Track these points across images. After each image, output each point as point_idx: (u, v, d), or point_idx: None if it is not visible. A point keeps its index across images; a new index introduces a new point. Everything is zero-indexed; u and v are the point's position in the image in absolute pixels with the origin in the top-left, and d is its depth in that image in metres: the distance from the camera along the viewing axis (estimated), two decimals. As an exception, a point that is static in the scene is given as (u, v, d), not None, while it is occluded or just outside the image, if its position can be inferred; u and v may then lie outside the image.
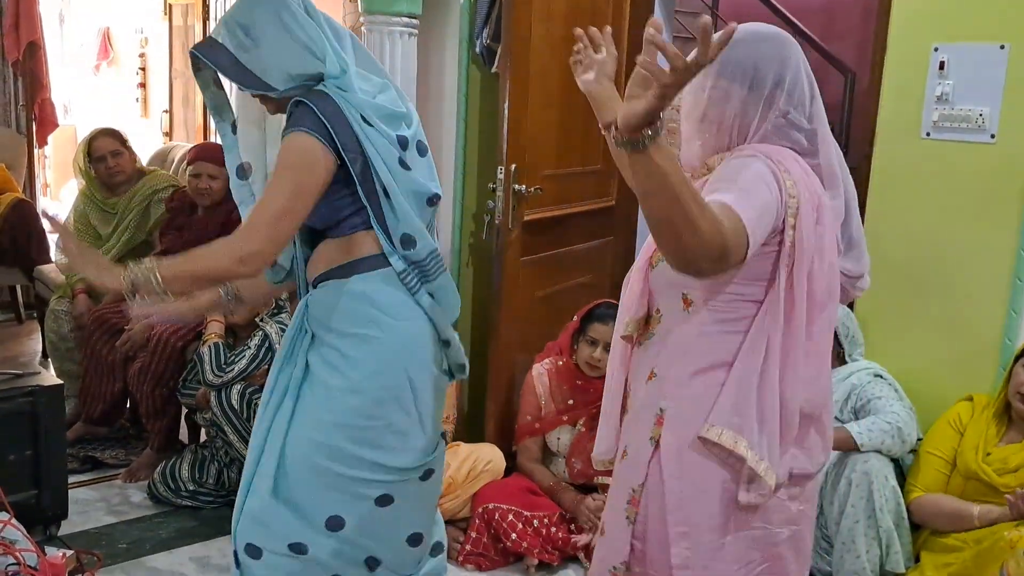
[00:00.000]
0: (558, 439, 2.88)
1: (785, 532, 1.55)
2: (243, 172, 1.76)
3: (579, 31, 1.70)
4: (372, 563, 1.78)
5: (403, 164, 1.63)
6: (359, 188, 1.61)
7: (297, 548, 1.71)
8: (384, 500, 1.72)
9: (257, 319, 2.94)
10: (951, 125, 2.64)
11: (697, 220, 1.23)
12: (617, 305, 2.93)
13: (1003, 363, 2.56)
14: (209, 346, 2.85)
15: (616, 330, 1.69)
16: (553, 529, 2.72)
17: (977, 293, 2.64)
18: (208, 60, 1.63)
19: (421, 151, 1.71)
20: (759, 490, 1.47)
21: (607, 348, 2.73)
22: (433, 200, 1.71)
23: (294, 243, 1.76)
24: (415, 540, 1.83)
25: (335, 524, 1.70)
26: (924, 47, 2.68)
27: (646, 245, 1.65)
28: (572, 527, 2.76)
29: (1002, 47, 2.54)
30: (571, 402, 2.86)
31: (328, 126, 1.56)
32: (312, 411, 1.68)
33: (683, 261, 1.30)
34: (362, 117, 1.59)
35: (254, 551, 1.74)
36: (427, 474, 1.79)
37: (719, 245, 1.27)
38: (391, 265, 1.66)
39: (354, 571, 1.76)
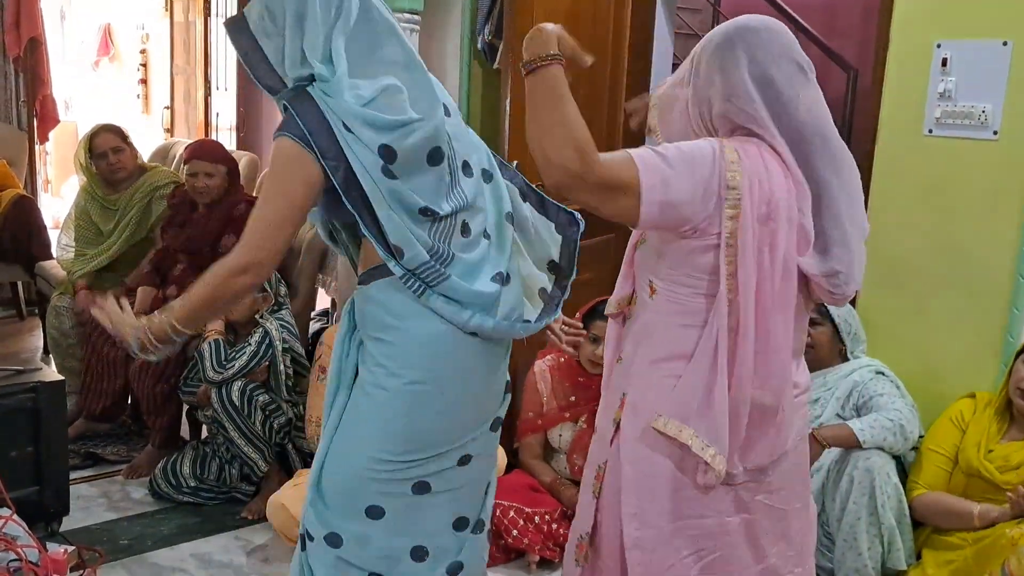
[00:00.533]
0: (560, 436, 2.88)
1: (736, 520, 1.59)
2: None
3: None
4: (419, 553, 1.73)
5: (388, 173, 1.55)
6: (343, 196, 1.56)
7: (332, 539, 1.69)
8: (421, 488, 1.69)
9: (257, 316, 2.94)
10: (953, 122, 2.64)
11: (571, 122, 1.43)
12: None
13: (1005, 360, 2.56)
14: (209, 343, 2.84)
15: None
16: (554, 526, 2.72)
17: (979, 290, 2.64)
18: (232, 39, 1.58)
19: (433, 160, 1.59)
20: (712, 474, 1.52)
21: (608, 344, 2.74)
22: (426, 212, 1.58)
23: (345, 244, 1.78)
24: (461, 524, 1.79)
25: (375, 513, 1.68)
26: (926, 44, 2.67)
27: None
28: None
29: (1005, 44, 2.53)
30: (573, 399, 2.86)
31: (307, 132, 1.52)
32: (352, 409, 1.70)
33: (545, 157, 1.45)
34: (344, 125, 1.52)
35: (307, 536, 1.73)
36: (464, 459, 1.74)
37: (578, 154, 1.42)
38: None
39: (400, 568, 1.72)
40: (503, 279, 1.68)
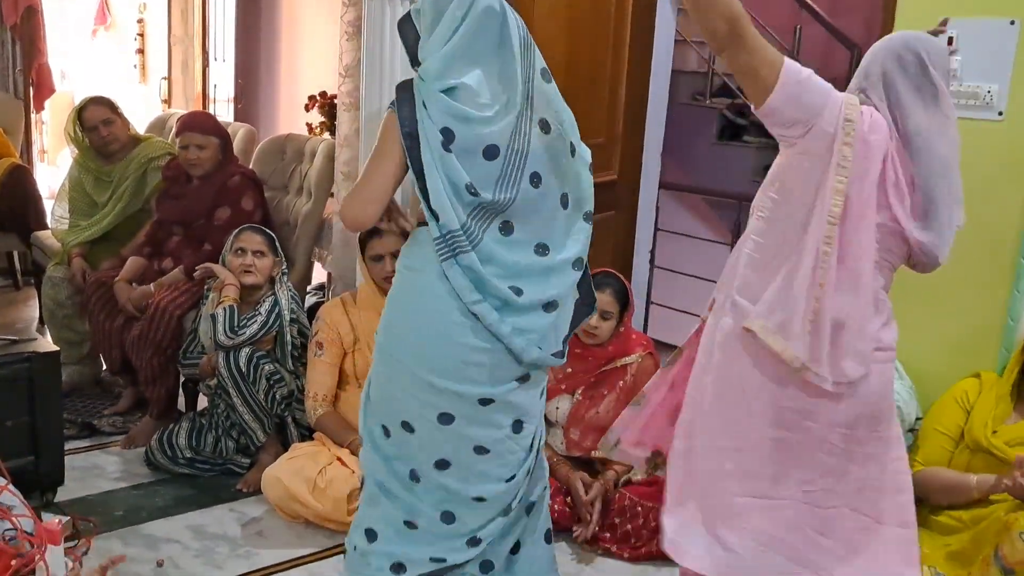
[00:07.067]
0: (556, 408, 2.87)
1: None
2: None
3: None
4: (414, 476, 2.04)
5: (447, 148, 1.84)
6: (407, 157, 1.86)
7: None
8: (445, 419, 1.96)
9: (274, 276, 2.98)
10: (959, 102, 2.60)
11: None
12: (615, 275, 2.93)
13: (1005, 343, 2.56)
14: (224, 308, 2.86)
15: None
16: (548, 501, 2.72)
17: (980, 272, 2.63)
18: (401, 33, 1.94)
19: (488, 154, 1.85)
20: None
21: (604, 316, 2.73)
22: (470, 190, 1.84)
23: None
24: (441, 465, 2.01)
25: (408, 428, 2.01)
26: (932, 22, 2.64)
27: None
28: (568, 500, 2.76)
29: (1012, 23, 2.51)
30: (570, 370, 2.85)
31: (397, 103, 1.88)
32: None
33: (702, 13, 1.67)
34: (423, 103, 1.85)
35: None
36: (485, 401, 1.96)
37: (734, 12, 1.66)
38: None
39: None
40: (544, 305, 1.95)
